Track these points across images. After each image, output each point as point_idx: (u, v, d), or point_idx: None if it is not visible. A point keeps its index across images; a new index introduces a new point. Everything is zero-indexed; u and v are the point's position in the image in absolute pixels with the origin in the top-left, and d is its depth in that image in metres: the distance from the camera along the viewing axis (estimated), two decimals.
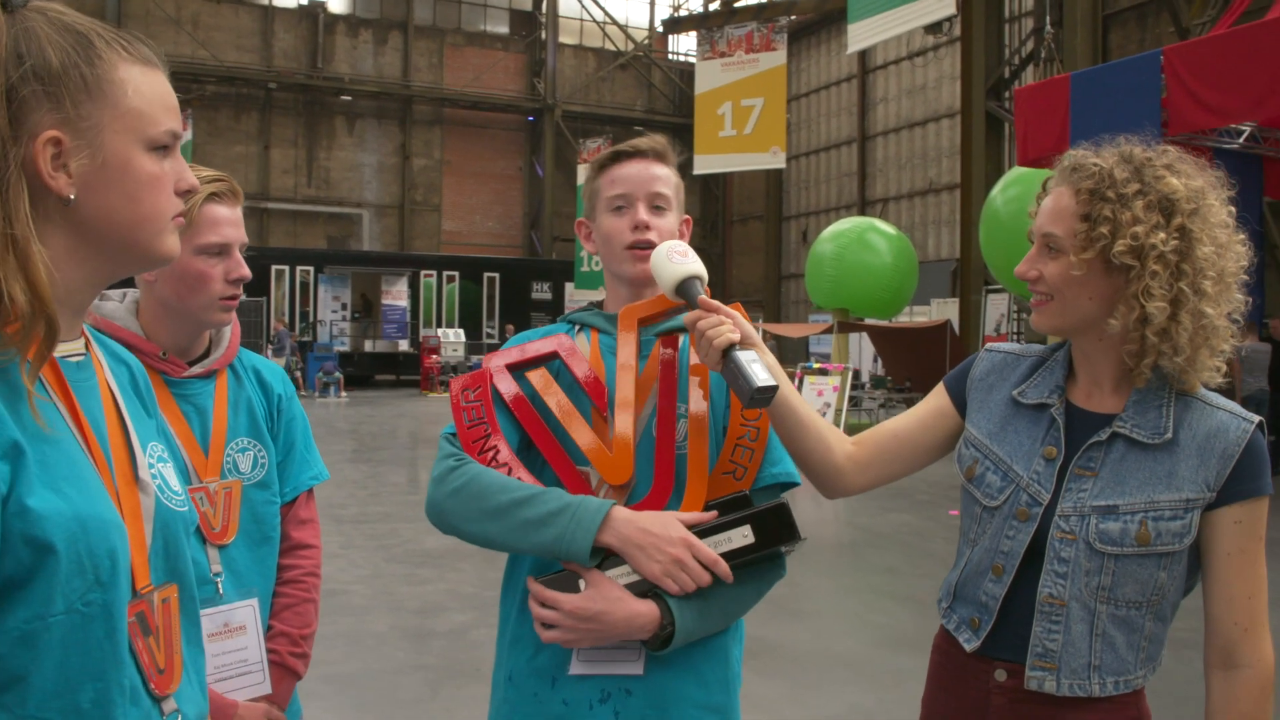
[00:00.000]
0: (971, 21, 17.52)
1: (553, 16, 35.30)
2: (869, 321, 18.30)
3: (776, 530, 1.63)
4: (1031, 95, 10.60)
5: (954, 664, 1.71)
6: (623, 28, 36.61)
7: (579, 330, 1.87)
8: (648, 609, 1.57)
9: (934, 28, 17.07)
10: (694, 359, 1.76)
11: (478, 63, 34.91)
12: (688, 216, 1.90)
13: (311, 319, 27.00)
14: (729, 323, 1.57)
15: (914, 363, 17.05)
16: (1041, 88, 10.63)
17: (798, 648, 5.59)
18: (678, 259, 1.64)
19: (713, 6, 32.01)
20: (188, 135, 25.60)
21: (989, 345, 1.83)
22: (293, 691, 2.04)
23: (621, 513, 1.58)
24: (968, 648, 1.67)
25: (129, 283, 2.06)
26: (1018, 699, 1.61)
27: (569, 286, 30.06)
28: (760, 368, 1.52)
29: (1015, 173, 14.29)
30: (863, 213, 28.54)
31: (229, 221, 1.94)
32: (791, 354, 28.60)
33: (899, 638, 5.80)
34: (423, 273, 28.66)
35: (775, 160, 22.42)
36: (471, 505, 1.62)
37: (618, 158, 1.82)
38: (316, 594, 2.14)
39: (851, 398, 15.96)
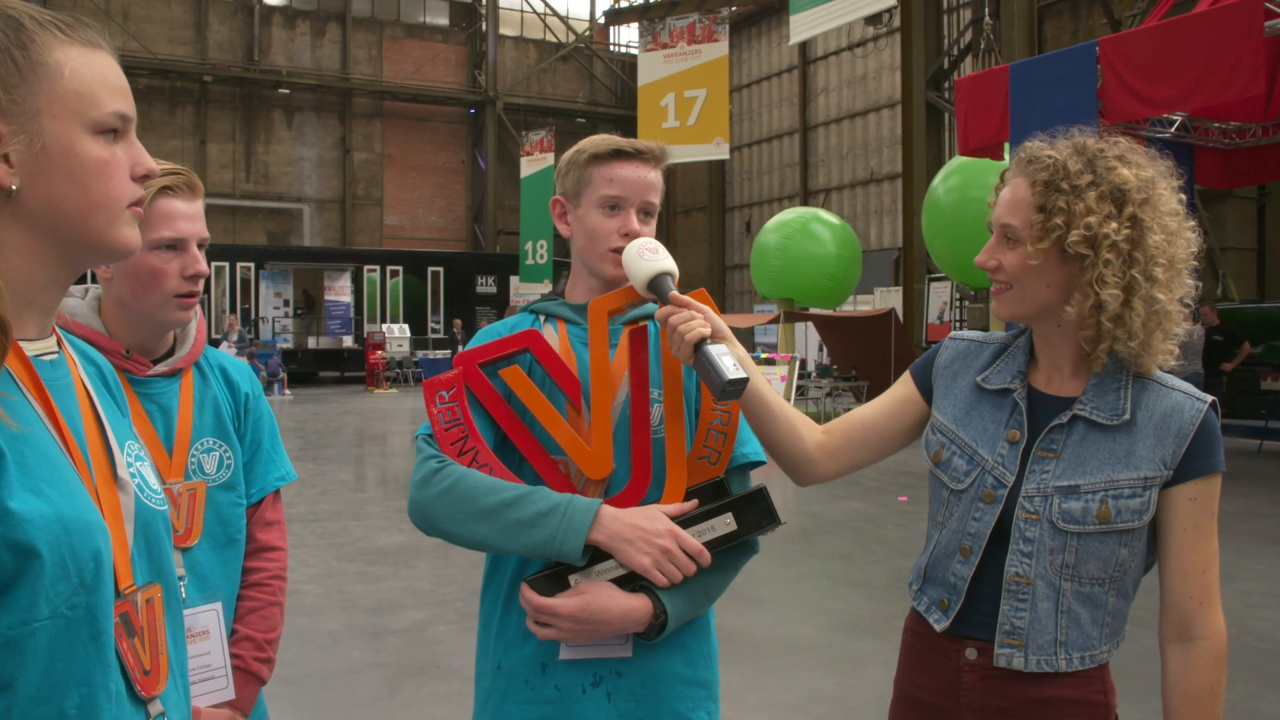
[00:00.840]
0: (911, 13, 17.73)
1: (493, 8, 35.07)
2: (814, 311, 18.47)
3: (757, 516, 1.68)
4: (971, 85, 10.76)
5: (925, 644, 1.76)
6: (563, 19, 36.49)
7: (544, 320, 1.87)
8: (641, 604, 1.63)
9: (874, 19, 17.26)
10: (664, 346, 1.78)
11: (418, 55, 34.59)
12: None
13: (253, 316, 26.59)
14: (700, 317, 1.62)
15: (860, 351, 17.25)
16: (981, 78, 10.80)
17: (756, 635, 5.64)
18: (649, 256, 1.68)
19: None
20: None
21: (953, 334, 1.89)
22: (257, 697, 2.01)
23: (609, 510, 1.62)
24: (938, 628, 1.72)
25: (86, 279, 2.03)
26: (988, 676, 1.67)
27: (514, 280, 29.93)
28: (731, 361, 1.57)
29: (956, 162, 14.50)
30: (805, 203, 28.79)
31: (184, 215, 1.89)
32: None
33: (854, 623, 5.89)
34: (366, 268, 28.35)
35: (719, 151, 22.53)
36: (459, 507, 1.63)
37: (619, 155, 1.81)
38: (282, 597, 2.11)
39: (798, 387, 16.10)
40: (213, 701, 1.90)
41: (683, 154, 23.36)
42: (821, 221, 18.89)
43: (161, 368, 1.94)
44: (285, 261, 27.92)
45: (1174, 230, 1.63)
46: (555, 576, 1.64)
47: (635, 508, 1.66)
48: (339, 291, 27.93)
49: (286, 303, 27.39)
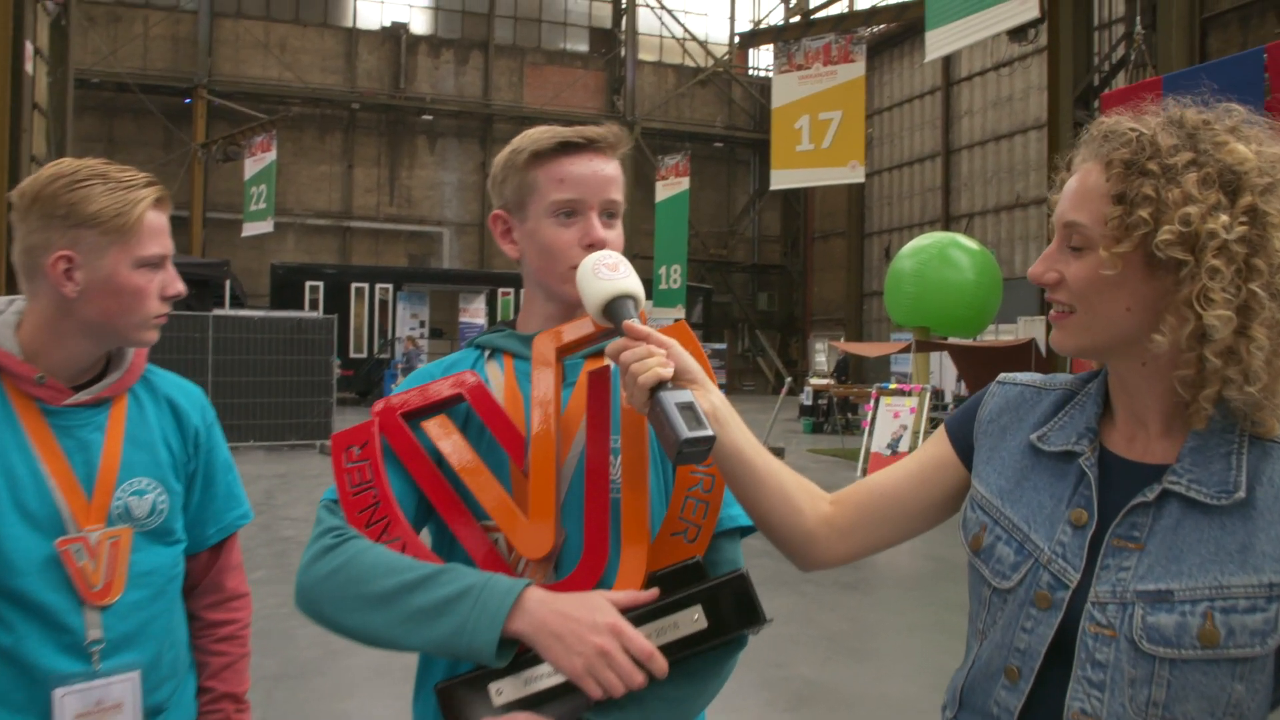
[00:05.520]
0: (1059, 28, 16.82)
1: (632, 34, 35.27)
2: (950, 340, 17.64)
3: (734, 612, 1.29)
4: (1119, 100, 9.97)
5: None
6: (702, 44, 36.42)
7: (489, 356, 1.54)
8: None
9: (1018, 35, 16.38)
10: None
11: (557, 81, 35.04)
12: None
13: (389, 336, 27.21)
14: (661, 354, 1.25)
15: None
16: (1130, 91, 10.02)
17: (854, 691, 5.17)
18: (606, 274, 1.32)
19: (792, 20, 31.61)
20: (271, 156, 26.03)
21: (1003, 376, 1.43)
22: None
23: (536, 594, 1.26)
24: None
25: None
26: None
27: (647, 304, 29.82)
28: (692, 412, 1.20)
29: None
30: (947, 228, 27.79)
31: (167, 230, 1.71)
32: (873, 374, 27.89)
33: None
34: (500, 290, 28.71)
35: (854, 174, 21.85)
36: (350, 590, 1.30)
37: (567, 148, 1.48)
38: (249, 647, 1.93)
39: (933, 419, 15.34)
40: None
41: (817, 177, 22.78)
42: (960, 247, 18.05)
43: (84, 396, 1.69)
44: (422, 283, 28.52)
45: None
46: (474, 682, 1.29)
47: (576, 594, 1.28)
48: (473, 314, 28.35)
49: (422, 324, 27.96)
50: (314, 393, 15.40)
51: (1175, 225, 1.13)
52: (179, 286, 1.70)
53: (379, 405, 1.45)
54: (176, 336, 14.29)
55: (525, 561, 1.38)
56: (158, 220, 1.67)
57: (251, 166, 26.51)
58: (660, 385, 1.22)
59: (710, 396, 1.30)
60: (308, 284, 26.59)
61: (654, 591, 1.30)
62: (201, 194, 29.90)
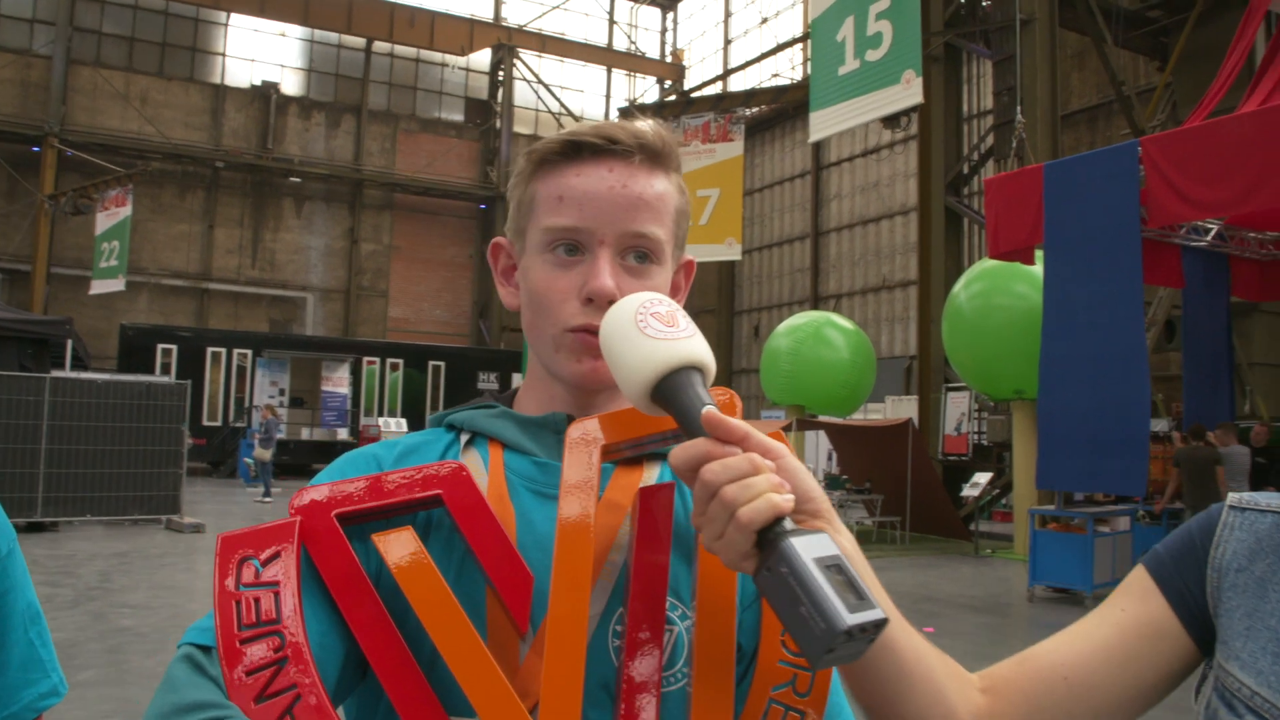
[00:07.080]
0: (930, 118, 17.42)
1: (508, 106, 35.24)
2: (825, 419, 17.76)
3: None
4: (1002, 185, 10.20)
5: None
6: (577, 119, 36.64)
7: (468, 443, 1.00)
8: None
9: (892, 121, 16.89)
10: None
11: (431, 149, 34.64)
12: (690, 259, 1.08)
13: (247, 404, 25.94)
14: (768, 470, 0.76)
15: (873, 462, 16.45)
16: (1013, 178, 10.26)
17: None
18: (657, 330, 0.81)
19: (670, 98, 32.13)
20: (126, 211, 24.74)
21: (1238, 500, 0.93)
22: None
23: None
24: None
25: None
26: None
27: (516, 377, 29.36)
28: (843, 578, 0.71)
29: (979, 268, 13.94)
30: (816, 308, 28.36)
31: None
32: None
33: None
34: (365, 359, 27.80)
35: (731, 251, 22.08)
36: None
37: (575, 151, 0.97)
38: None
39: None
40: None
41: (694, 253, 22.93)
42: (835, 326, 18.36)
43: None
44: (283, 350, 27.41)
45: None
46: None
47: None
48: (336, 383, 27.34)
49: (282, 392, 26.80)
50: (162, 463, 14.32)
51: None
52: None
53: (302, 497, 0.87)
54: (7, 399, 13.12)
55: None
56: None
57: (104, 221, 25.23)
58: (777, 524, 0.73)
59: (842, 540, 0.79)
60: (160, 347, 25.28)
61: None
62: (47, 248, 28.17)
